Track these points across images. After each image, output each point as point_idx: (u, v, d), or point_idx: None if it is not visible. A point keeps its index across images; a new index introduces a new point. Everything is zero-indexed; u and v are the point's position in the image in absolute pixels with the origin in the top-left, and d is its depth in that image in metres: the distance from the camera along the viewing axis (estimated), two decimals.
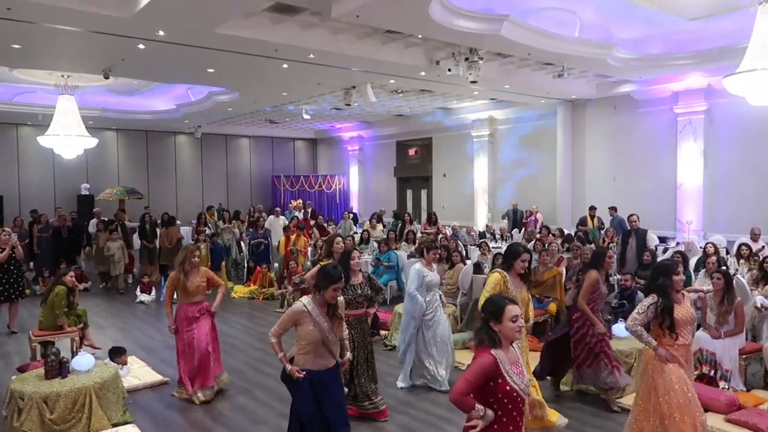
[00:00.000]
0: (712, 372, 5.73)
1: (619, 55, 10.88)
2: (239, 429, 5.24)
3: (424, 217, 17.17)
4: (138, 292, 11.01)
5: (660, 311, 3.96)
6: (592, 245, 9.92)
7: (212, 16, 7.74)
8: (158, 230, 12.87)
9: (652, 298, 4.01)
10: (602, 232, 11.73)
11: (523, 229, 13.71)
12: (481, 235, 13.91)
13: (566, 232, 12.11)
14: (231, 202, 20.81)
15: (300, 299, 3.91)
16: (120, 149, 19.97)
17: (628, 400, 5.43)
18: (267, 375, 6.58)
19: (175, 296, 5.90)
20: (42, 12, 7.42)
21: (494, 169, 17.10)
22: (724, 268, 7.36)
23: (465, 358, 6.78)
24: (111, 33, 8.32)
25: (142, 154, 20.36)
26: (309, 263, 11.10)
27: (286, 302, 10.11)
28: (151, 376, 6.46)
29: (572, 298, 7.66)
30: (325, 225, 15.25)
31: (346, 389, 4.71)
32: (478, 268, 8.94)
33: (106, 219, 13.75)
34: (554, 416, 4.75)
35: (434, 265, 6.23)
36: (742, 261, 8.52)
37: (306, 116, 16.58)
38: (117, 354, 6.50)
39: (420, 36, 9.46)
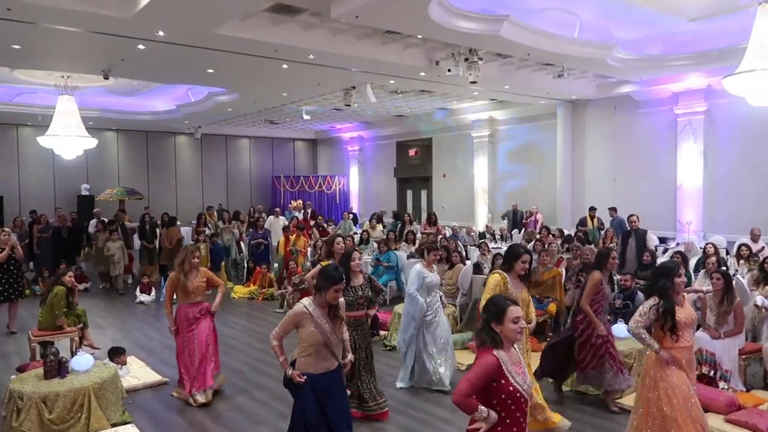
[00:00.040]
0: (712, 372, 5.74)
1: (619, 55, 10.88)
2: (238, 429, 5.23)
3: (424, 217, 17.16)
4: (138, 293, 11.01)
5: (662, 313, 3.93)
6: (592, 246, 9.91)
7: (212, 17, 7.74)
8: (158, 230, 12.88)
9: (653, 300, 3.99)
10: (602, 232, 11.73)
11: (523, 229, 13.70)
12: (481, 235, 13.91)
13: (566, 232, 12.11)
14: (231, 203, 20.82)
15: (301, 301, 3.87)
16: (120, 150, 19.97)
17: (627, 401, 5.43)
18: (266, 375, 6.58)
19: (174, 297, 5.90)
20: (42, 12, 7.42)
21: (494, 169, 17.10)
22: (723, 268, 7.35)
23: (464, 358, 6.79)
24: (111, 33, 8.32)
25: (142, 154, 20.36)
26: (309, 263, 11.10)
27: (285, 302, 10.12)
28: (151, 376, 6.46)
29: (572, 298, 7.68)
30: (325, 225, 15.26)
31: (349, 392, 4.70)
32: (477, 268, 8.95)
33: (107, 219, 13.76)
34: (557, 418, 4.74)
35: (434, 267, 6.22)
36: (741, 261, 8.52)
37: (306, 117, 16.59)
38: (116, 354, 6.50)
39: (419, 36, 9.46)
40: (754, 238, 9.30)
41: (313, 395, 3.72)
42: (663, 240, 11.99)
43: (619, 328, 6.02)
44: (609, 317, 6.92)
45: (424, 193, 19.99)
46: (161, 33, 8.31)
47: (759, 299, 6.58)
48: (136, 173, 20.09)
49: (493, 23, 8.73)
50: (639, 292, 7.51)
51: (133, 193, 18.45)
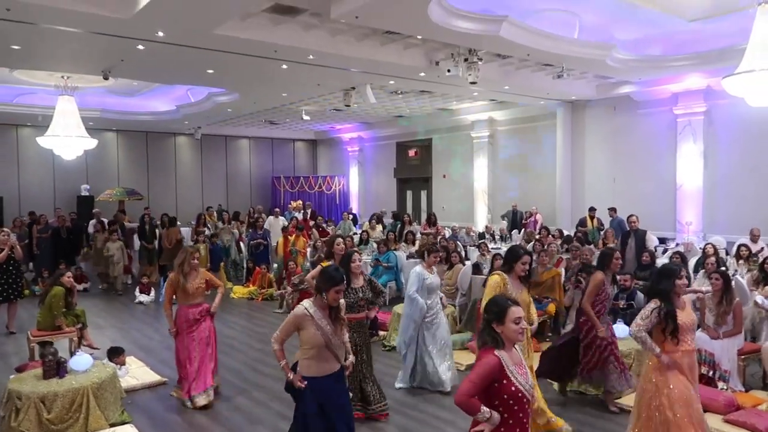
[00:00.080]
0: (711, 372, 5.73)
1: (619, 56, 10.88)
2: (237, 429, 5.23)
3: (424, 218, 17.17)
4: (137, 293, 11.01)
5: (663, 316, 3.89)
6: (592, 246, 9.91)
7: (211, 17, 7.74)
8: (158, 231, 12.89)
9: (654, 303, 3.93)
10: (601, 233, 11.72)
11: (523, 230, 13.70)
12: (481, 236, 13.91)
13: (566, 233, 12.11)
14: (231, 203, 20.82)
15: (301, 303, 3.84)
16: (120, 150, 19.98)
17: (626, 401, 5.43)
18: (265, 375, 6.58)
19: (174, 298, 5.90)
20: (42, 13, 7.42)
21: (494, 170, 17.10)
22: (722, 268, 7.35)
23: (464, 358, 6.79)
24: (110, 34, 8.32)
25: (141, 155, 20.36)
26: (308, 264, 11.10)
27: (285, 303, 10.12)
28: (150, 377, 6.46)
29: (571, 298, 7.70)
30: (325, 226, 15.26)
31: (351, 394, 4.69)
32: (477, 268, 8.95)
33: (107, 220, 13.77)
34: (559, 422, 4.72)
35: (434, 268, 6.21)
36: (741, 262, 8.52)
37: (305, 117, 16.60)
38: (115, 354, 6.50)
39: (419, 37, 9.46)
40: (754, 238, 9.29)
41: (313, 398, 3.70)
42: (662, 240, 11.99)
43: (619, 328, 6.02)
44: (608, 317, 6.94)
45: (423, 194, 19.99)
46: (161, 33, 8.32)
47: (759, 298, 6.59)
48: (136, 174, 20.10)
49: (493, 23, 8.73)
50: (638, 292, 7.52)
51: (132, 193, 18.45)
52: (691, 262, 8.95)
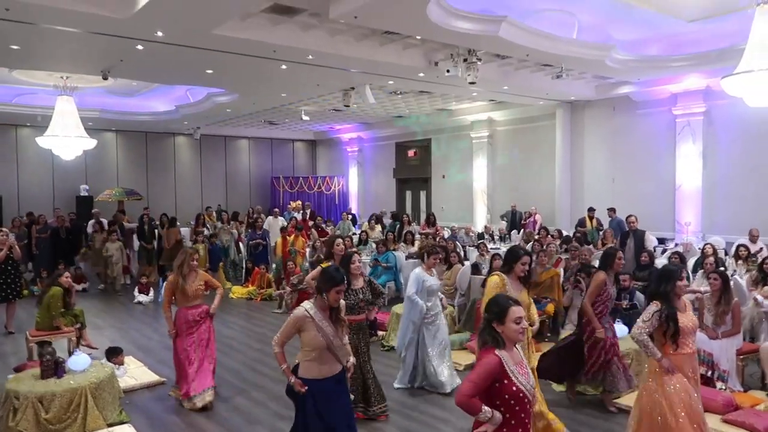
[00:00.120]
0: (709, 372, 5.73)
1: (618, 56, 10.88)
2: (235, 429, 5.23)
3: (423, 218, 17.17)
4: (136, 293, 11.00)
5: (664, 319, 3.86)
6: (591, 246, 9.92)
7: (211, 17, 7.74)
8: (157, 231, 12.89)
9: (655, 306, 3.90)
10: (601, 233, 11.73)
11: (522, 230, 13.71)
12: (480, 236, 13.91)
13: (565, 233, 12.11)
14: (230, 204, 20.80)
15: (301, 305, 3.81)
16: (119, 150, 19.97)
17: (624, 401, 5.44)
18: (264, 375, 6.58)
19: (173, 299, 5.88)
20: (41, 13, 7.41)
21: (493, 170, 17.10)
22: (721, 269, 7.35)
23: (462, 358, 6.79)
24: (110, 34, 8.31)
25: (141, 155, 20.36)
26: (307, 264, 11.10)
27: (284, 303, 10.12)
28: (148, 376, 6.46)
29: (570, 298, 7.70)
30: (324, 226, 15.25)
31: (352, 396, 4.69)
32: (476, 268, 8.95)
33: (106, 221, 13.77)
34: (559, 425, 4.70)
35: (434, 271, 6.20)
36: (740, 262, 8.52)
37: (305, 117, 16.59)
38: (114, 354, 6.50)
39: (418, 37, 9.46)
40: (753, 238, 9.30)
41: (313, 401, 3.67)
42: (662, 241, 11.99)
43: (618, 328, 6.01)
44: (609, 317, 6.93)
45: (423, 194, 19.99)
46: (160, 33, 8.31)
47: (759, 297, 6.59)
48: (135, 174, 20.09)
49: (492, 24, 8.73)
50: (637, 292, 7.53)
51: (132, 193, 18.45)
52: (690, 263, 8.95)
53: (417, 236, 12.41)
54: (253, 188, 22.76)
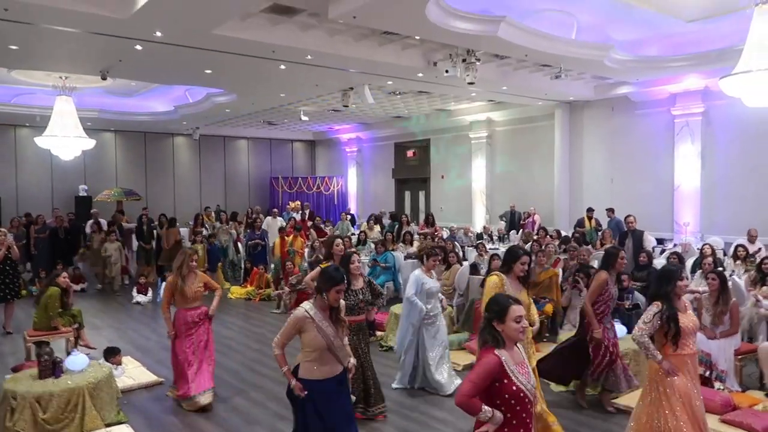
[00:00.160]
0: (708, 372, 5.74)
1: (617, 56, 10.89)
2: (234, 429, 5.22)
3: (422, 218, 17.17)
4: (134, 293, 11.00)
5: (665, 320, 3.85)
6: (589, 246, 9.92)
7: (210, 17, 7.74)
8: (155, 231, 12.88)
9: (656, 307, 3.90)
10: (599, 233, 11.73)
11: (521, 230, 13.72)
12: (479, 236, 13.91)
13: (563, 233, 12.12)
14: (229, 204, 20.79)
15: (301, 305, 3.79)
16: (118, 150, 19.95)
17: (623, 401, 5.44)
18: (263, 376, 6.57)
19: (172, 300, 5.86)
20: (40, 13, 7.40)
21: (492, 170, 17.10)
22: (720, 269, 7.36)
23: (461, 358, 6.79)
24: (108, 34, 8.31)
25: (140, 155, 20.34)
26: (306, 264, 11.10)
27: (282, 303, 10.12)
28: (146, 377, 6.46)
29: (568, 299, 7.70)
30: (322, 226, 15.25)
31: (353, 397, 4.68)
32: (474, 269, 8.95)
33: (105, 221, 13.75)
34: (559, 429, 4.68)
35: (434, 272, 6.20)
36: (738, 262, 8.52)
37: (304, 117, 16.59)
38: (112, 354, 6.49)
39: (417, 37, 9.46)
40: (751, 239, 9.30)
41: (313, 402, 3.66)
42: (660, 241, 11.99)
43: (618, 328, 6.01)
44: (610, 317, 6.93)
45: (422, 194, 19.99)
46: (159, 33, 8.31)
47: (761, 297, 6.60)
48: (134, 174, 20.07)
49: (491, 24, 8.73)
50: (635, 292, 7.53)
51: (131, 194, 18.43)
52: (689, 263, 8.95)
53: (416, 236, 12.41)
54: (252, 188, 22.75)
